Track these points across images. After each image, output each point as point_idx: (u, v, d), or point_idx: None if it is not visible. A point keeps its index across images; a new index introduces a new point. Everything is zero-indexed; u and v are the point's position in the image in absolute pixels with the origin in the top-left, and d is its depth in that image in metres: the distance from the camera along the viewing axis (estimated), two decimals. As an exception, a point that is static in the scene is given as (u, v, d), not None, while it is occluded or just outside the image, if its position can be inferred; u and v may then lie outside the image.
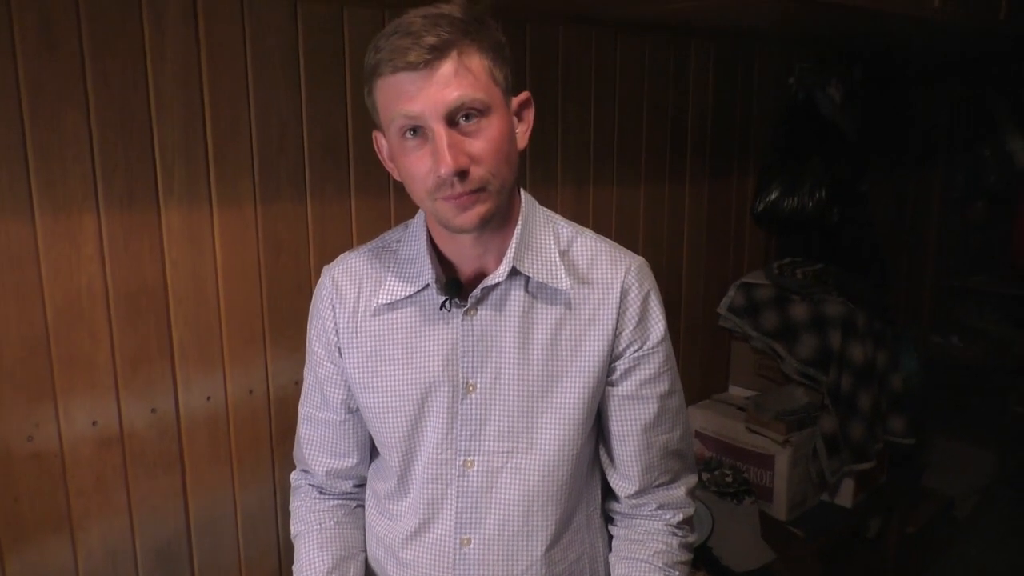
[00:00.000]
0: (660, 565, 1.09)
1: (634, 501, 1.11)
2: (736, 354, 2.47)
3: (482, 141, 0.90)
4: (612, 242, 1.08)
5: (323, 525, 1.14)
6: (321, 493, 1.18)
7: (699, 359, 2.39)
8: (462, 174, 0.89)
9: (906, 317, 3.07)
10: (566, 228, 1.06)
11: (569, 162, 1.90)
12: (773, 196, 2.39)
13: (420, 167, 0.91)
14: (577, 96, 1.89)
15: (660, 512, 1.12)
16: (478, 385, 1.02)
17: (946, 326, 3.35)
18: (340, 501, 1.18)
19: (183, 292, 1.36)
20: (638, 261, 1.05)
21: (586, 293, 1.02)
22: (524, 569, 1.06)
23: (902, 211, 3.08)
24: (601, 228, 2.01)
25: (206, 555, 1.46)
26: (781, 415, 2.11)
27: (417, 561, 1.08)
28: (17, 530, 1.25)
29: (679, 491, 1.13)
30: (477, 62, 0.90)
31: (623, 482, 1.11)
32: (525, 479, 1.04)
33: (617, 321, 1.02)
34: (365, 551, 1.17)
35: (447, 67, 0.87)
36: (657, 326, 1.04)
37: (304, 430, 1.17)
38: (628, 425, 1.06)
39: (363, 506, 1.19)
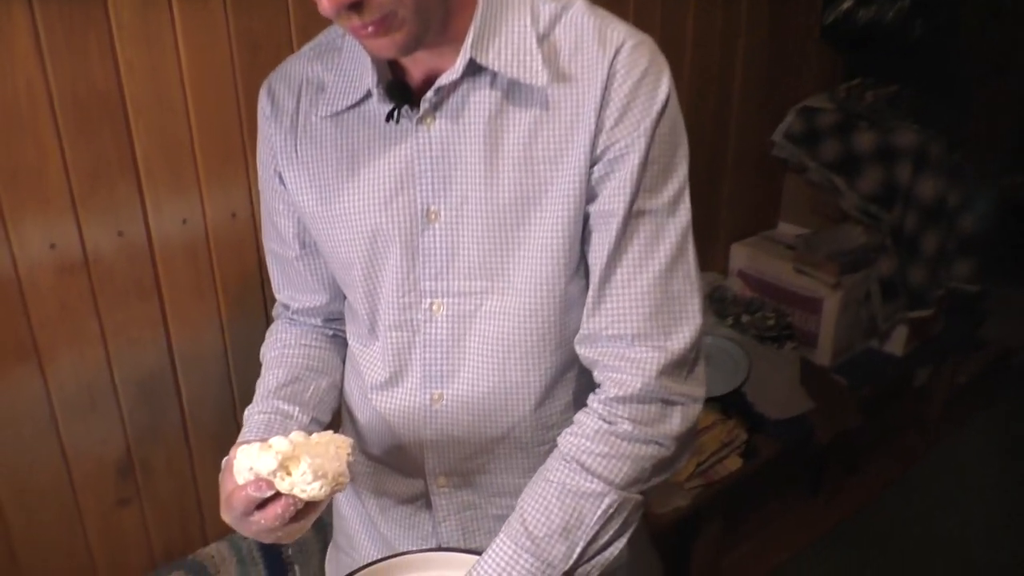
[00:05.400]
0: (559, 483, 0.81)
1: (587, 349, 0.85)
2: (789, 188, 2.29)
3: None
4: (609, 16, 0.81)
5: (286, 343, 1.00)
6: (293, 322, 1.04)
7: (747, 192, 2.21)
8: (353, 6, 0.67)
9: (987, 151, 2.77)
10: (549, 4, 0.82)
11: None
12: (846, 5, 2.15)
13: None
14: None
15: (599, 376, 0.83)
16: (441, 213, 0.83)
17: (1031, 165, 3.06)
18: (314, 326, 1.04)
19: (143, 100, 1.18)
20: (633, 40, 0.79)
21: (565, 90, 0.78)
22: (506, 431, 0.92)
23: (999, 23, 2.70)
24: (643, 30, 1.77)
25: (195, 389, 1.37)
26: (834, 255, 1.98)
27: (388, 412, 0.95)
28: (-24, 360, 1.16)
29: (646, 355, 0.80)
30: None
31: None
32: (500, 325, 0.87)
33: (597, 121, 0.79)
34: (340, 378, 1.04)
35: None
36: (646, 118, 0.78)
37: (270, 264, 1.02)
38: (598, 251, 0.81)
39: (342, 336, 1.05)
